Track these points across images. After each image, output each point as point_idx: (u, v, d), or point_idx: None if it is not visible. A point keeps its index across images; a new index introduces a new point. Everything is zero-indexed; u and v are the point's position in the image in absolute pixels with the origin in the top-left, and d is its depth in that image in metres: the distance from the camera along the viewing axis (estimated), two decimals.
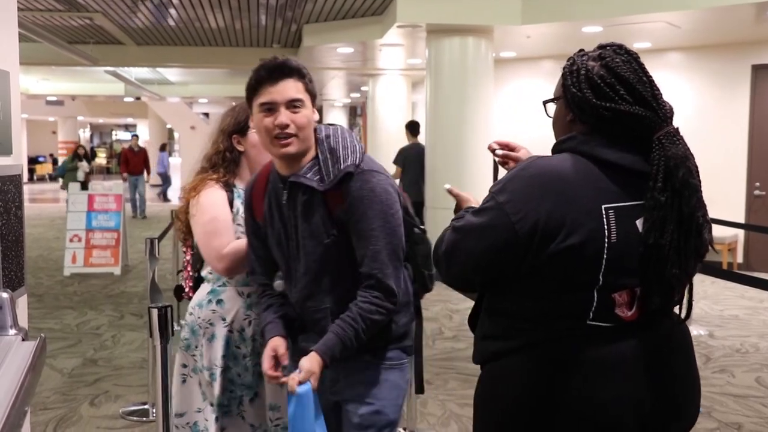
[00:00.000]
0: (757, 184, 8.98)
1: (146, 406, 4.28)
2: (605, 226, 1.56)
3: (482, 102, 8.52)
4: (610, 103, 1.60)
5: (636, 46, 9.26)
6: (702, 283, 7.89)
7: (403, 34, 9.12)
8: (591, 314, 1.58)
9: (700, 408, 1.74)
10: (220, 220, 2.39)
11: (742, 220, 8.85)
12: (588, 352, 1.59)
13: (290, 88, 1.99)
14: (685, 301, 1.72)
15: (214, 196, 2.42)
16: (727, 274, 5.55)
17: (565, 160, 1.63)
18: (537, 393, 1.61)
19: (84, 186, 12.30)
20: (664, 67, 9.54)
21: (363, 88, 16.24)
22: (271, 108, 1.98)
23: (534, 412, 1.62)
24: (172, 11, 9.43)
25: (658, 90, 1.64)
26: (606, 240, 1.55)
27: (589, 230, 1.55)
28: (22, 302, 2.09)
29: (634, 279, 1.59)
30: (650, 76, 1.64)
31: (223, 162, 2.47)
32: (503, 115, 10.24)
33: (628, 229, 1.58)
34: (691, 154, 1.61)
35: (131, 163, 16.17)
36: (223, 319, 2.43)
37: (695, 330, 6.15)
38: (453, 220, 1.74)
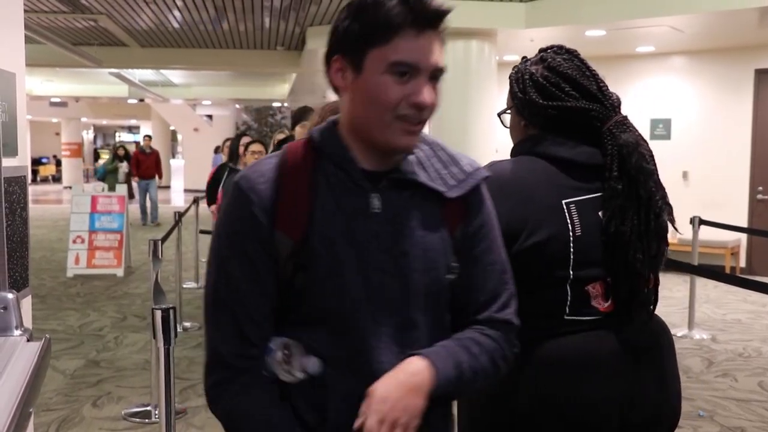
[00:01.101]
0: (760, 188, 8.97)
1: (148, 408, 4.29)
2: (568, 221, 1.59)
3: (485, 105, 8.51)
4: (557, 102, 1.64)
5: (639, 50, 9.27)
6: (704, 287, 7.88)
7: None
8: (567, 309, 1.60)
9: (680, 396, 1.74)
10: None
11: (745, 224, 8.84)
12: (567, 347, 1.60)
13: (437, 51, 1.31)
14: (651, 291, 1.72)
15: None
16: (730, 278, 5.54)
17: (520, 161, 1.67)
18: (514, 393, 1.62)
19: (129, 187, 12.26)
20: (667, 71, 9.54)
21: None
22: (407, 72, 1.27)
23: (511, 413, 1.63)
24: (176, 13, 9.45)
25: (603, 83, 1.68)
26: (571, 234, 1.58)
27: (553, 226, 1.58)
28: (27, 303, 2.09)
29: (603, 270, 1.62)
30: (593, 71, 1.69)
31: None
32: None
33: (591, 220, 1.61)
34: (643, 140, 1.65)
35: (142, 165, 14.98)
36: None
37: (698, 334, 6.15)
38: None
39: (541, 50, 1.74)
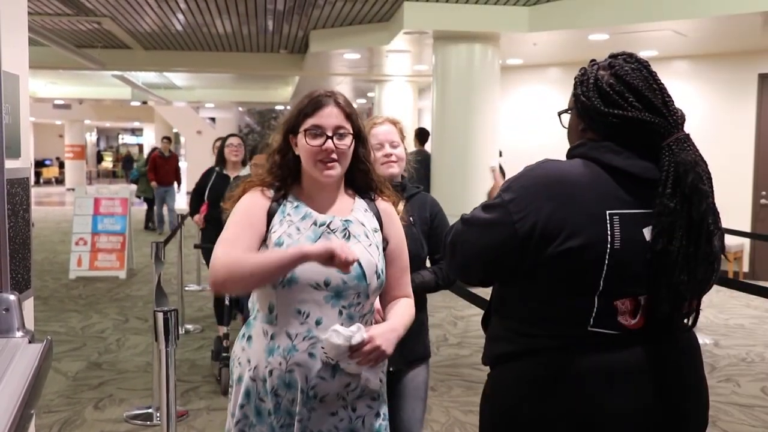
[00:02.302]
0: (764, 192, 8.96)
1: (150, 410, 4.28)
2: (608, 232, 1.55)
3: (488, 109, 8.52)
4: (618, 110, 1.61)
5: (642, 54, 9.23)
6: (710, 292, 7.85)
7: (410, 41, 9.13)
8: (591, 320, 1.57)
9: (708, 420, 1.73)
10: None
11: (748, 228, 8.83)
12: (589, 360, 1.58)
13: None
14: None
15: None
16: (733, 282, 5.52)
17: (574, 164, 1.64)
18: (534, 404, 1.61)
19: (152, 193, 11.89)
20: (670, 75, 9.53)
21: (369, 94, 16.25)
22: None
23: (532, 424, 1.61)
24: (180, 16, 9.47)
25: (669, 97, 1.65)
26: (608, 245, 1.55)
27: (591, 235, 1.55)
28: (29, 305, 2.09)
29: (639, 287, 1.58)
30: (661, 83, 1.65)
31: None
32: (509, 121, 10.24)
33: (634, 236, 1.57)
34: (703, 160, 1.62)
35: (160, 171, 13.13)
36: (248, 361, 1.98)
37: (700, 339, 6.12)
38: (473, 209, 1.74)
39: (612, 56, 1.70)
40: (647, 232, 1.58)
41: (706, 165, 1.62)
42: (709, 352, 5.83)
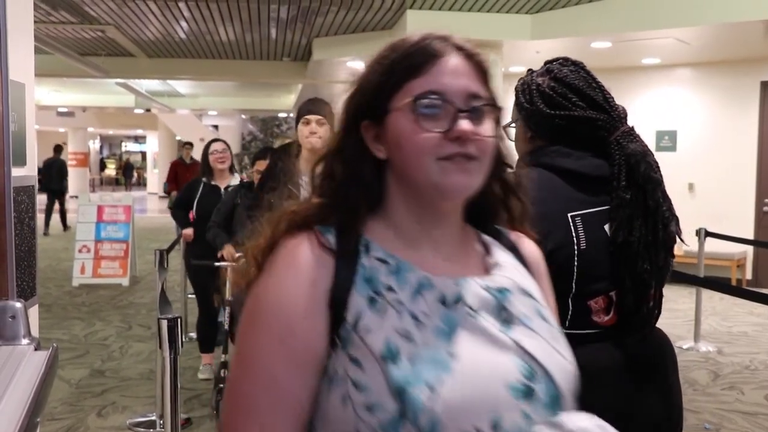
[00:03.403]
0: (766, 200, 8.95)
1: (153, 418, 4.28)
2: (573, 234, 1.58)
3: None
4: (563, 111, 1.64)
5: (645, 61, 9.28)
6: (711, 299, 7.85)
7: None
8: (567, 323, 1.59)
9: (682, 418, 1.73)
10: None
11: (751, 236, 8.81)
12: None
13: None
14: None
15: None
16: (736, 290, 5.52)
17: (528, 173, 1.66)
18: None
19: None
20: (673, 82, 9.54)
21: None
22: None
23: None
24: (183, 24, 9.50)
25: (609, 94, 1.68)
26: (575, 248, 1.57)
27: (557, 240, 1.57)
28: (34, 312, 2.10)
29: (607, 284, 1.60)
30: (599, 82, 1.69)
31: None
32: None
33: (597, 234, 1.60)
34: (650, 150, 1.64)
35: (181, 180, 10.90)
36: None
37: (704, 346, 6.12)
38: None
39: (547, 62, 1.74)
40: (608, 228, 1.61)
41: (653, 154, 1.65)
42: (713, 359, 5.82)
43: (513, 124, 1.80)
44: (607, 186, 1.61)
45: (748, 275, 9.11)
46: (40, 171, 15.98)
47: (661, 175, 1.64)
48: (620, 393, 1.60)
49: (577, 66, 1.70)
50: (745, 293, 4.44)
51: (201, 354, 5.26)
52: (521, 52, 8.86)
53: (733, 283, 8.63)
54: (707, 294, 7.32)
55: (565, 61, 1.72)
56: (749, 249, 8.97)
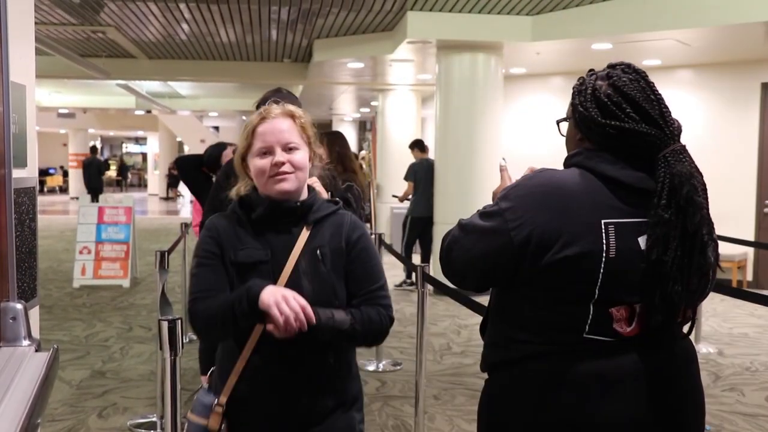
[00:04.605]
0: (767, 201, 8.95)
1: (154, 419, 4.28)
2: (603, 241, 1.57)
3: (491, 118, 8.54)
4: (615, 122, 1.62)
5: (645, 63, 9.28)
6: (711, 300, 7.85)
7: (414, 50, 9.15)
8: (587, 327, 1.59)
9: (704, 428, 1.73)
10: None
11: (751, 237, 8.82)
12: (584, 367, 1.59)
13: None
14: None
15: None
16: (737, 292, 5.51)
17: (571, 173, 1.65)
18: (530, 410, 1.62)
19: None
20: (673, 84, 9.54)
21: (373, 103, 16.28)
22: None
23: (527, 430, 1.62)
24: (184, 25, 9.51)
25: (667, 108, 1.65)
26: (603, 254, 1.56)
27: (586, 243, 1.56)
28: (34, 313, 2.10)
29: (633, 295, 1.59)
30: (658, 94, 1.66)
31: None
32: (512, 131, 10.25)
33: (628, 245, 1.58)
34: (698, 172, 1.62)
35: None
36: None
37: (704, 348, 6.12)
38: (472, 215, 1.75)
39: (610, 65, 1.71)
40: (642, 241, 1.59)
41: (702, 176, 1.63)
42: (714, 361, 5.82)
43: (566, 121, 1.78)
44: (648, 200, 1.59)
45: (749, 277, 9.11)
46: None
47: (705, 198, 1.62)
48: (640, 403, 1.59)
49: (639, 75, 1.67)
50: (745, 295, 4.43)
51: (201, 376, 4.80)
52: (522, 53, 8.87)
53: (734, 284, 8.64)
54: (709, 295, 7.32)
55: (627, 68, 1.68)
56: (750, 251, 8.97)
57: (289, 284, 1.91)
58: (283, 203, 1.96)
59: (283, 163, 1.92)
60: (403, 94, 13.63)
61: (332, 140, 4.71)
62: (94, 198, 16.16)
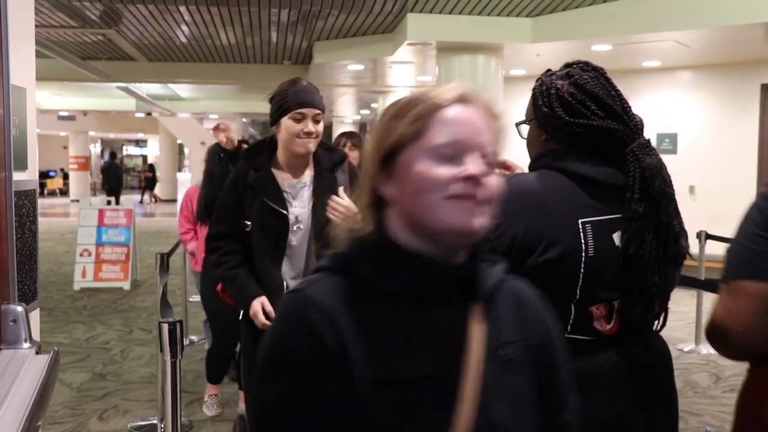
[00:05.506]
0: None
1: (154, 421, 4.28)
2: (582, 241, 1.58)
3: None
4: (582, 120, 1.63)
5: (645, 64, 9.28)
6: (712, 301, 7.83)
7: (414, 52, 9.16)
8: (569, 327, 1.59)
9: (678, 417, 1.74)
10: None
11: None
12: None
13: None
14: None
15: None
16: None
17: (540, 176, 1.66)
18: None
19: None
20: (673, 85, 9.55)
21: (373, 105, 16.29)
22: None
23: None
24: (184, 28, 9.51)
25: (627, 104, 1.67)
26: (583, 254, 1.57)
27: (567, 244, 1.57)
28: (35, 316, 2.10)
29: (611, 292, 1.61)
30: (618, 90, 1.68)
31: None
32: (512, 131, 10.24)
33: (605, 243, 1.60)
34: (664, 165, 1.65)
35: None
36: None
37: (705, 349, 6.11)
38: None
39: (567, 65, 1.72)
40: (616, 238, 1.61)
41: (667, 169, 1.66)
42: (714, 362, 5.81)
43: (527, 123, 1.78)
44: (619, 195, 1.60)
45: None
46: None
47: (673, 191, 1.64)
48: (621, 401, 1.60)
49: (597, 72, 1.68)
50: None
51: (208, 384, 4.59)
52: (522, 55, 8.87)
53: None
54: (708, 296, 7.30)
55: (585, 66, 1.70)
56: None
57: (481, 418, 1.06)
58: (448, 261, 1.11)
59: (480, 183, 1.07)
60: (404, 96, 13.62)
61: (358, 143, 4.46)
62: (117, 200, 16.22)
